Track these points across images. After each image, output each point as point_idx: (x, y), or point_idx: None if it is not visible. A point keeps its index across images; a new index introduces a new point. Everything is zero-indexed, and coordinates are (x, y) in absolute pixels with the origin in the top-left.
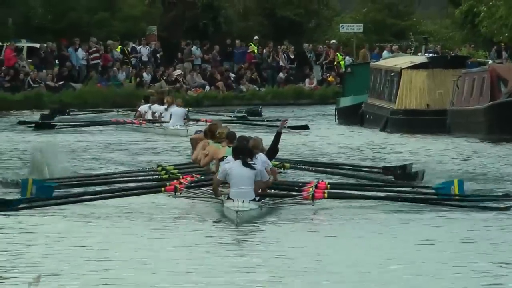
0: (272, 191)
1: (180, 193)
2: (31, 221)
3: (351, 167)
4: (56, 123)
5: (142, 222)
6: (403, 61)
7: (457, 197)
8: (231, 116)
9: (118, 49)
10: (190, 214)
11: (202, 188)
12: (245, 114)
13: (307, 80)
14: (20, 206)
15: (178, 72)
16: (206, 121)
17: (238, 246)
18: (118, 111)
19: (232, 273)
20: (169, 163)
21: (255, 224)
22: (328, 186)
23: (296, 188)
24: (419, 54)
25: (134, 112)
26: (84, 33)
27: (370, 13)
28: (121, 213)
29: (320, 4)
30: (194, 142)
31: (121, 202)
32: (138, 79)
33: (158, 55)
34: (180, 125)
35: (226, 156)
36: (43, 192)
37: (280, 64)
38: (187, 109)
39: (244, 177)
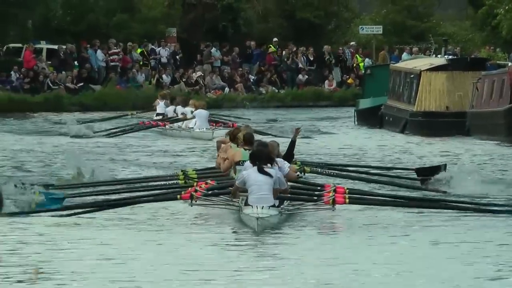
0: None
1: (196, 201)
2: (48, 230)
3: (380, 169)
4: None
5: (159, 229)
6: (422, 63)
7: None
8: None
9: (139, 51)
10: (208, 222)
11: (219, 196)
12: None
13: (326, 82)
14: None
15: (197, 74)
16: (232, 125)
17: (261, 254)
18: (132, 114)
19: (256, 282)
20: (193, 168)
21: (275, 231)
22: (347, 191)
23: (314, 192)
24: (439, 56)
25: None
26: (103, 35)
27: (389, 14)
28: (137, 220)
29: (340, 6)
30: (219, 145)
31: (138, 209)
32: (157, 81)
33: (177, 57)
34: (206, 128)
35: (244, 161)
36: (51, 203)
37: (299, 66)
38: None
39: (262, 183)
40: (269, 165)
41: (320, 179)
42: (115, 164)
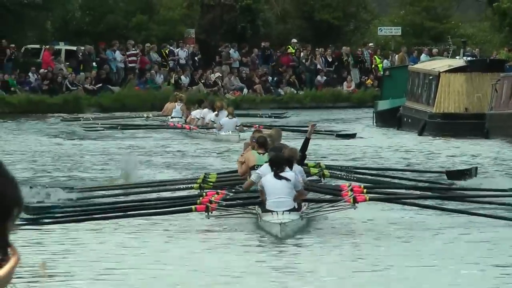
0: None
1: (212, 212)
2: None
3: (409, 172)
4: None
5: (179, 238)
6: (441, 64)
7: None
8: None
9: (158, 52)
10: (226, 230)
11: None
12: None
13: (345, 83)
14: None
15: (216, 75)
16: (259, 127)
17: (288, 260)
18: (147, 117)
19: None
20: (216, 171)
21: (298, 236)
22: (365, 190)
23: (332, 193)
24: (457, 57)
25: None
26: (122, 36)
27: (408, 16)
28: (156, 229)
29: (358, 7)
30: (245, 147)
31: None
32: (175, 82)
33: (196, 58)
34: (232, 131)
35: (258, 165)
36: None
37: (318, 67)
38: (236, 119)
39: (279, 188)
40: (288, 168)
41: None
42: (144, 166)
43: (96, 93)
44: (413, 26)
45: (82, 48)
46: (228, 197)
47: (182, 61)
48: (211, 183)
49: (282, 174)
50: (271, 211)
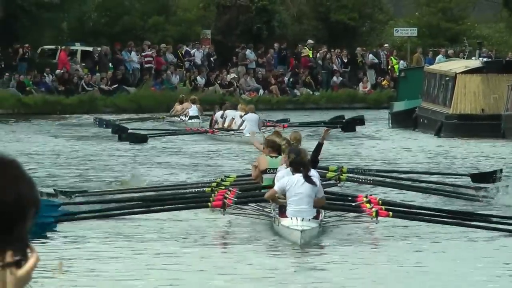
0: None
1: (226, 209)
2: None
3: (430, 175)
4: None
5: (194, 241)
6: (457, 65)
7: None
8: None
9: (173, 53)
10: (242, 234)
11: (250, 204)
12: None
13: (360, 84)
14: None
15: (232, 75)
16: (283, 127)
17: (309, 270)
18: (163, 118)
19: None
20: (236, 174)
21: (317, 244)
22: (380, 202)
23: (350, 203)
24: (473, 58)
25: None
26: (138, 37)
27: (424, 17)
28: (172, 231)
29: (374, 8)
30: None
31: (169, 217)
32: (192, 83)
33: (211, 58)
34: (256, 132)
35: (270, 168)
36: (47, 211)
37: (334, 68)
38: (259, 115)
39: (304, 193)
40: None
41: (359, 188)
42: (165, 169)
43: (112, 93)
44: (429, 27)
45: (98, 48)
46: (240, 194)
47: (198, 62)
48: (224, 186)
49: (310, 175)
50: (290, 217)
